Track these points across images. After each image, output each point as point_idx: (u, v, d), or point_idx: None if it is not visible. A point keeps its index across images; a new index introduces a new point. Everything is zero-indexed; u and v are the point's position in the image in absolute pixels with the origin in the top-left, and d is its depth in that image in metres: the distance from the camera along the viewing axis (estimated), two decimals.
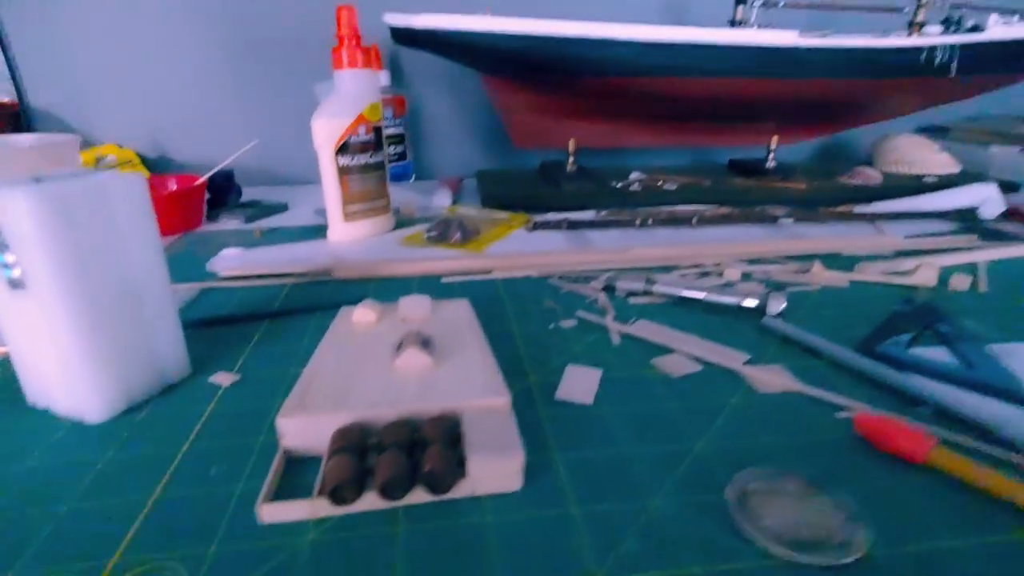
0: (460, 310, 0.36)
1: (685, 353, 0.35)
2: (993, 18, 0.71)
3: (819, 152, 0.94)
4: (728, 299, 0.40)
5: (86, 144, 0.80)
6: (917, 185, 0.72)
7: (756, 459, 0.26)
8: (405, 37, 0.63)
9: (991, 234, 0.59)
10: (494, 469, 0.24)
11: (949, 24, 0.72)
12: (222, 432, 0.29)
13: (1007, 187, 0.71)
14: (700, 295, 0.41)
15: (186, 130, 0.84)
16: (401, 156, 0.82)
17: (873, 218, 0.63)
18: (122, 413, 0.30)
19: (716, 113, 0.71)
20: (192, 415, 0.30)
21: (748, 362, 0.34)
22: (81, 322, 0.28)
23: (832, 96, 0.69)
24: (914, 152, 0.77)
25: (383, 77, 0.76)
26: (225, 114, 0.84)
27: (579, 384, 0.32)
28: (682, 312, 0.41)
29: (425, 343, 0.30)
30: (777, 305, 0.39)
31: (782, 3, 0.68)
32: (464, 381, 0.28)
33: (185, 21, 0.79)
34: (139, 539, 0.22)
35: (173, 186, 0.66)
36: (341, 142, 0.54)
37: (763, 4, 0.67)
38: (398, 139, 0.81)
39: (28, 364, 0.30)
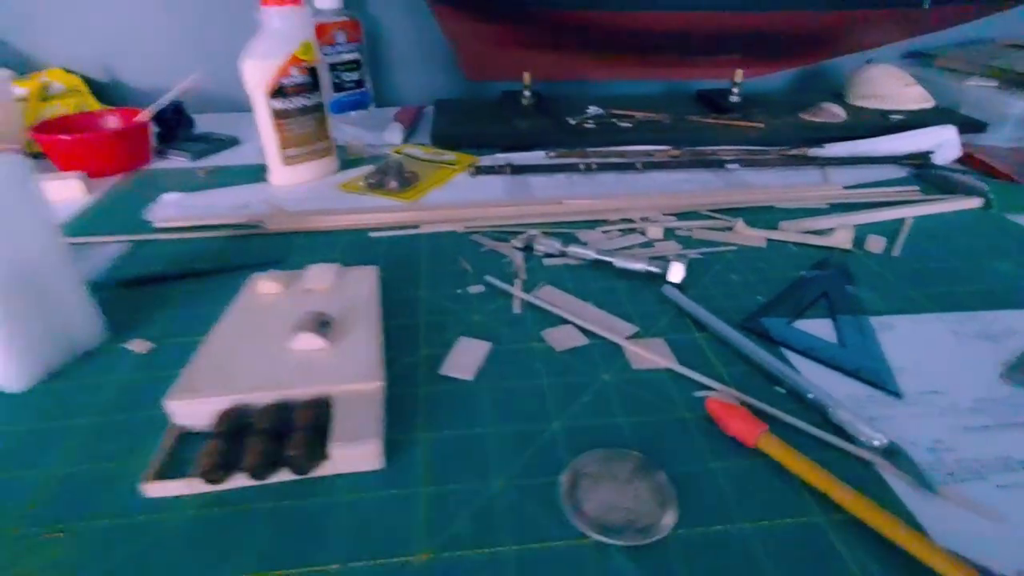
0: (365, 280, 0.38)
1: (577, 324, 0.37)
2: None
3: (797, 81, 0.90)
4: (634, 265, 0.41)
5: (31, 68, 0.78)
6: (881, 123, 0.70)
7: (606, 439, 0.29)
8: None
9: (937, 182, 0.58)
10: (352, 453, 0.26)
11: None
12: (130, 403, 0.31)
13: (973, 126, 0.69)
14: (609, 259, 0.42)
15: (137, 53, 0.81)
16: (358, 83, 0.80)
17: (823, 163, 0.62)
18: (43, 382, 0.33)
19: (678, 47, 0.68)
20: (105, 384, 0.33)
21: (635, 335, 0.36)
22: None
23: (798, 29, 0.66)
24: (885, 86, 0.74)
25: None
26: (179, 36, 0.81)
27: (464, 359, 0.34)
28: (593, 275, 0.43)
29: (323, 324, 0.32)
30: (677, 274, 0.40)
31: None
32: (344, 364, 0.30)
33: None
34: (39, 511, 0.25)
35: (116, 123, 0.65)
36: (274, 85, 0.53)
37: None
38: (353, 66, 0.78)
39: None
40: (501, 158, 0.63)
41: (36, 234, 0.31)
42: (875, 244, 0.46)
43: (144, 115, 0.64)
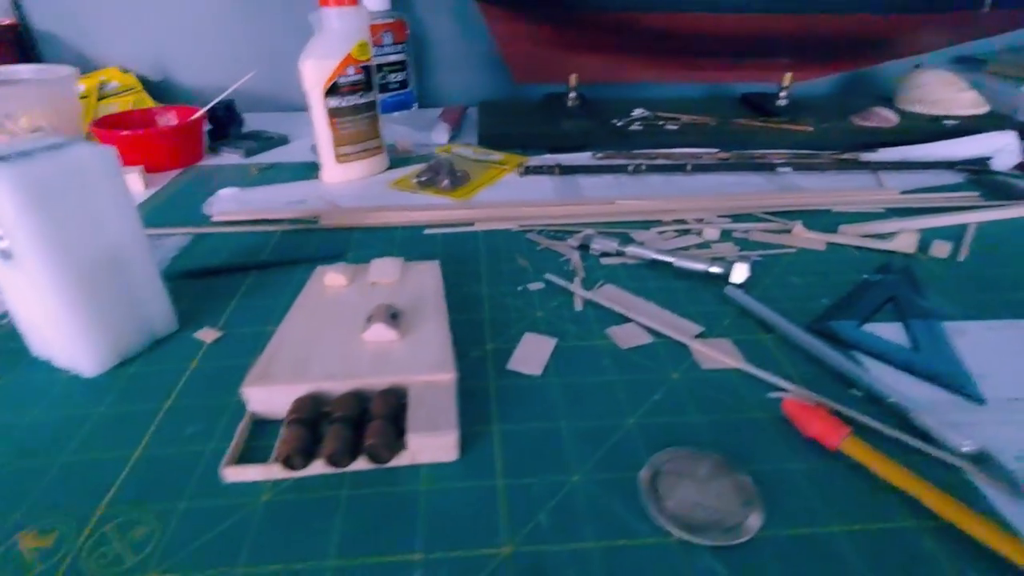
0: (428, 274, 0.38)
1: (640, 323, 0.36)
2: None
3: (843, 85, 0.89)
4: (695, 265, 0.41)
5: (88, 67, 0.80)
6: (934, 128, 0.68)
7: (681, 437, 0.28)
8: None
9: (998, 188, 0.57)
10: (430, 443, 0.26)
11: None
12: (201, 390, 0.32)
13: None
14: (669, 259, 0.42)
15: (189, 54, 0.83)
16: (402, 84, 0.80)
17: (876, 167, 0.61)
18: (115, 367, 0.33)
19: (726, 50, 0.68)
20: (176, 371, 0.33)
21: (700, 335, 0.36)
22: (66, 288, 0.30)
23: (850, 33, 0.65)
24: (938, 90, 0.73)
25: (381, 0, 0.73)
26: (230, 37, 0.83)
27: (531, 354, 0.34)
28: (651, 275, 0.42)
29: (393, 316, 0.32)
30: (740, 274, 0.39)
31: None
32: (417, 355, 0.30)
33: None
34: (121, 492, 0.26)
35: (173, 120, 0.67)
36: (330, 83, 0.54)
37: None
38: (399, 66, 0.79)
39: (26, 323, 0.33)
40: (549, 159, 0.63)
41: (121, 223, 0.32)
42: (940, 249, 0.45)
43: (200, 112, 0.65)
